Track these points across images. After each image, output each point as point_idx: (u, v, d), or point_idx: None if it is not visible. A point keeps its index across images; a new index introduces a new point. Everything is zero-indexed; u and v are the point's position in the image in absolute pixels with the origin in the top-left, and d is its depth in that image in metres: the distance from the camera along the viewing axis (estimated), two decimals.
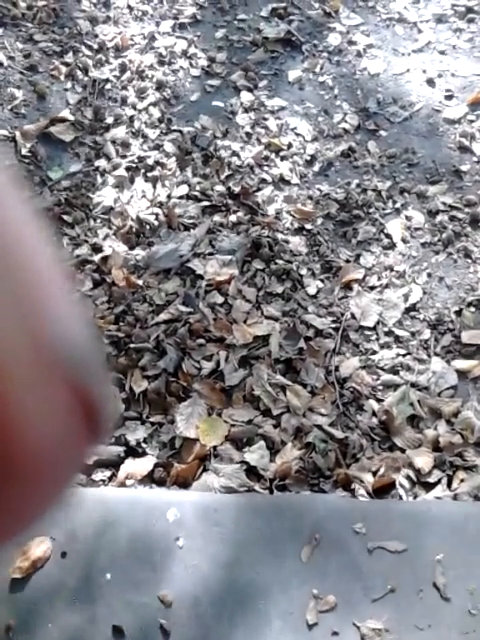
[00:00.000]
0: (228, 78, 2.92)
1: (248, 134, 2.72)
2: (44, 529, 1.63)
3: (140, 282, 2.25)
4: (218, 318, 2.16)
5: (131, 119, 2.74)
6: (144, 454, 1.91)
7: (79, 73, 2.87)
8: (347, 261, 2.36)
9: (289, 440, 1.93)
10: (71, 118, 2.71)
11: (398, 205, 2.52)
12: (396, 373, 2.09)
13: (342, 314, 2.22)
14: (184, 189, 2.52)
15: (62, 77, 2.86)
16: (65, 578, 1.59)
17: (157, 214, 2.45)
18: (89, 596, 1.57)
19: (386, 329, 2.20)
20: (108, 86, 2.85)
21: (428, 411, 2.01)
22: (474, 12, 3.17)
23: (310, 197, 2.54)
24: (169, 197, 2.50)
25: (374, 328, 2.20)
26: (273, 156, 2.66)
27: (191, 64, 2.96)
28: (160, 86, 2.85)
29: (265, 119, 2.78)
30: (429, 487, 1.86)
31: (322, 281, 2.31)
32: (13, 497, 0.33)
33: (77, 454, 0.36)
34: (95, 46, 2.96)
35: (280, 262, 2.32)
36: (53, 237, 2.34)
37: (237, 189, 2.52)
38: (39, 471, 0.33)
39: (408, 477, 1.86)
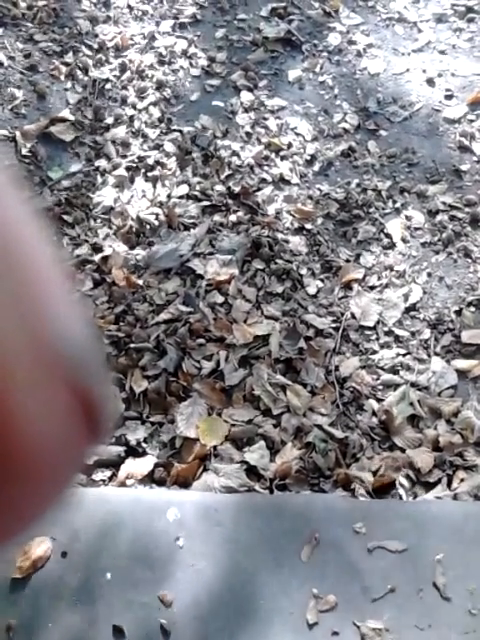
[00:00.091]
0: (228, 78, 2.92)
1: (248, 134, 2.72)
2: (45, 529, 1.63)
3: (140, 282, 2.25)
4: (218, 318, 2.16)
5: (131, 119, 2.74)
6: (144, 454, 1.91)
7: (79, 73, 2.87)
8: (347, 261, 2.36)
9: (289, 440, 1.93)
10: (71, 118, 2.71)
11: (398, 205, 2.52)
12: (396, 373, 2.09)
13: (342, 314, 2.22)
14: (184, 189, 2.52)
15: (62, 77, 2.86)
16: (65, 578, 1.59)
17: (157, 214, 2.45)
18: (89, 596, 1.57)
19: (386, 329, 2.20)
20: (108, 86, 2.85)
21: (428, 411, 2.01)
22: (474, 12, 3.17)
23: (310, 197, 2.54)
24: (169, 197, 2.50)
25: (374, 328, 2.20)
26: (273, 156, 2.66)
27: (191, 64, 2.96)
28: (160, 86, 2.85)
29: (265, 119, 2.78)
30: (429, 487, 1.86)
31: (322, 281, 2.31)
32: (13, 497, 0.33)
33: (77, 454, 0.36)
34: (95, 46, 2.97)
35: (280, 262, 2.32)
36: (53, 237, 2.34)
37: (237, 189, 2.52)
38: (39, 471, 0.33)
39: (408, 477, 1.86)
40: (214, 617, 1.55)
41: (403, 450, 1.92)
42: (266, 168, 2.62)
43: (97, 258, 2.31)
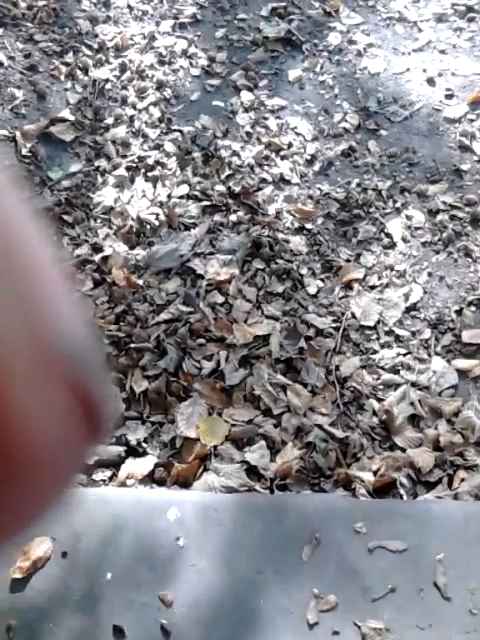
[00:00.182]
0: (228, 78, 2.92)
1: (248, 134, 2.72)
2: (45, 529, 1.63)
3: (140, 282, 2.25)
4: (218, 318, 2.16)
5: (131, 119, 2.74)
6: (145, 454, 1.91)
7: (79, 73, 2.87)
8: (347, 260, 2.36)
9: (290, 440, 1.93)
10: (71, 118, 2.71)
11: (398, 204, 2.52)
12: (397, 372, 2.09)
13: (342, 314, 2.22)
14: (184, 189, 2.52)
15: (62, 77, 2.86)
16: (66, 578, 1.59)
17: (157, 214, 2.45)
18: (90, 596, 1.57)
19: (387, 328, 2.20)
20: (108, 86, 2.85)
21: (429, 410, 2.01)
22: (474, 11, 3.17)
23: (310, 197, 2.54)
24: (169, 197, 2.50)
25: (374, 327, 2.20)
26: (273, 156, 2.66)
27: (191, 64, 2.96)
28: (160, 86, 2.85)
29: (265, 119, 2.78)
30: (430, 487, 1.86)
31: (322, 281, 2.31)
32: (13, 496, 0.33)
33: (77, 454, 0.36)
34: (95, 46, 2.97)
35: (280, 262, 2.32)
36: (53, 237, 2.34)
37: (237, 189, 2.52)
38: (39, 470, 0.33)
39: (409, 476, 1.86)
40: (214, 617, 1.55)
41: (404, 450, 1.92)
42: (266, 168, 2.62)
43: (97, 258, 2.31)
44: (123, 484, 1.82)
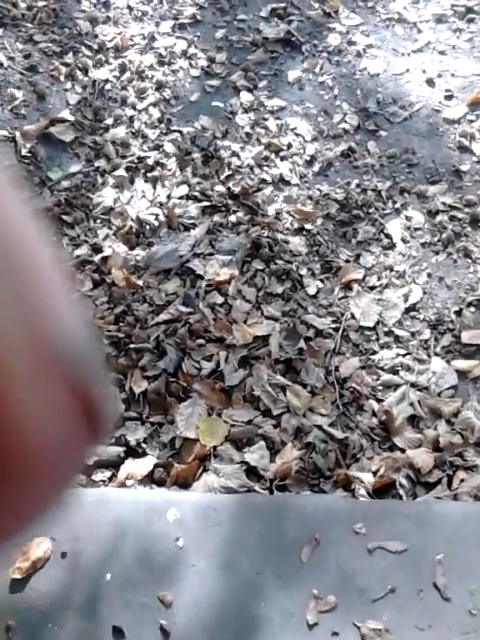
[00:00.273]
0: (228, 78, 2.92)
1: (248, 134, 2.72)
2: (44, 529, 1.62)
3: (140, 282, 2.25)
4: (218, 318, 2.16)
5: (131, 119, 2.74)
6: (144, 454, 1.91)
7: (79, 73, 2.88)
8: (347, 261, 2.36)
9: (289, 440, 1.93)
10: (71, 118, 2.71)
11: (398, 205, 2.52)
12: (396, 373, 2.09)
13: (342, 314, 2.22)
14: (184, 189, 2.52)
15: (62, 77, 2.86)
16: (65, 578, 1.59)
17: (157, 214, 2.45)
18: (89, 596, 1.57)
19: (386, 329, 2.20)
20: (108, 86, 2.85)
21: (428, 411, 2.01)
22: (474, 12, 3.17)
23: (310, 197, 2.54)
24: (169, 197, 2.50)
25: (374, 328, 2.20)
26: (273, 156, 2.66)
27: (191, 64, 2.96)
28: (160, 86, 2.85)
29: (265, 119, 2.78)
30: (429, 487, 1.86)
31: (322, 281, 2.31)
32: (13, 497, 0.33)
33: (77, 454, 0.36)
34: (95, 46, 2.97)
35: (280, 262, 2.32)
36: (53, 237, 2.34)
37: (237, 189, 2.52)
38: (39, 471, 0.33)
39: (408, 477, 1.86)
40: (214, 618, 1.55)
41: (403, 450, 1.92)
42: (266, 168, 2.62)
43: (97, 258, 2.31)
44: (123, 485, 1.82)
